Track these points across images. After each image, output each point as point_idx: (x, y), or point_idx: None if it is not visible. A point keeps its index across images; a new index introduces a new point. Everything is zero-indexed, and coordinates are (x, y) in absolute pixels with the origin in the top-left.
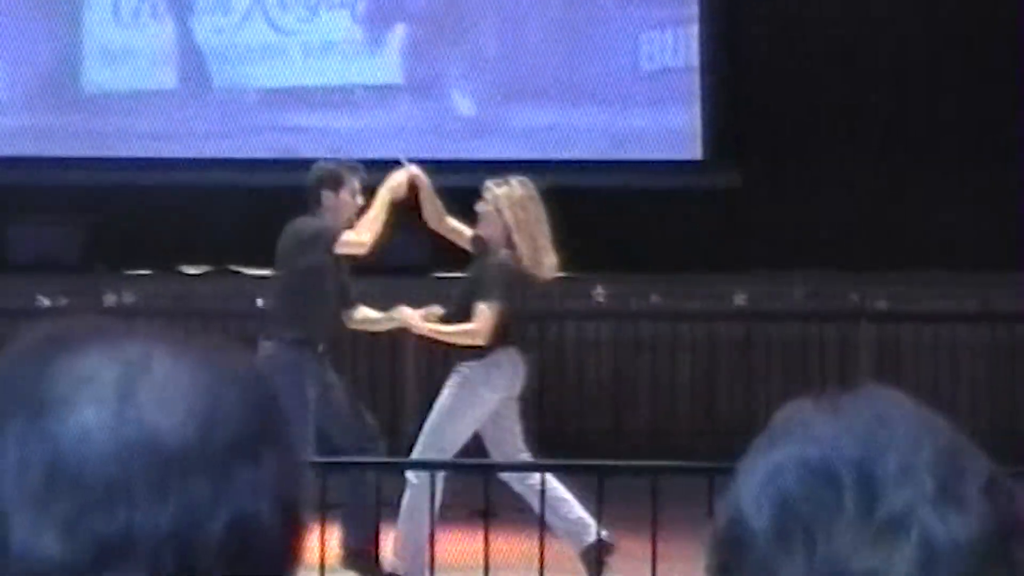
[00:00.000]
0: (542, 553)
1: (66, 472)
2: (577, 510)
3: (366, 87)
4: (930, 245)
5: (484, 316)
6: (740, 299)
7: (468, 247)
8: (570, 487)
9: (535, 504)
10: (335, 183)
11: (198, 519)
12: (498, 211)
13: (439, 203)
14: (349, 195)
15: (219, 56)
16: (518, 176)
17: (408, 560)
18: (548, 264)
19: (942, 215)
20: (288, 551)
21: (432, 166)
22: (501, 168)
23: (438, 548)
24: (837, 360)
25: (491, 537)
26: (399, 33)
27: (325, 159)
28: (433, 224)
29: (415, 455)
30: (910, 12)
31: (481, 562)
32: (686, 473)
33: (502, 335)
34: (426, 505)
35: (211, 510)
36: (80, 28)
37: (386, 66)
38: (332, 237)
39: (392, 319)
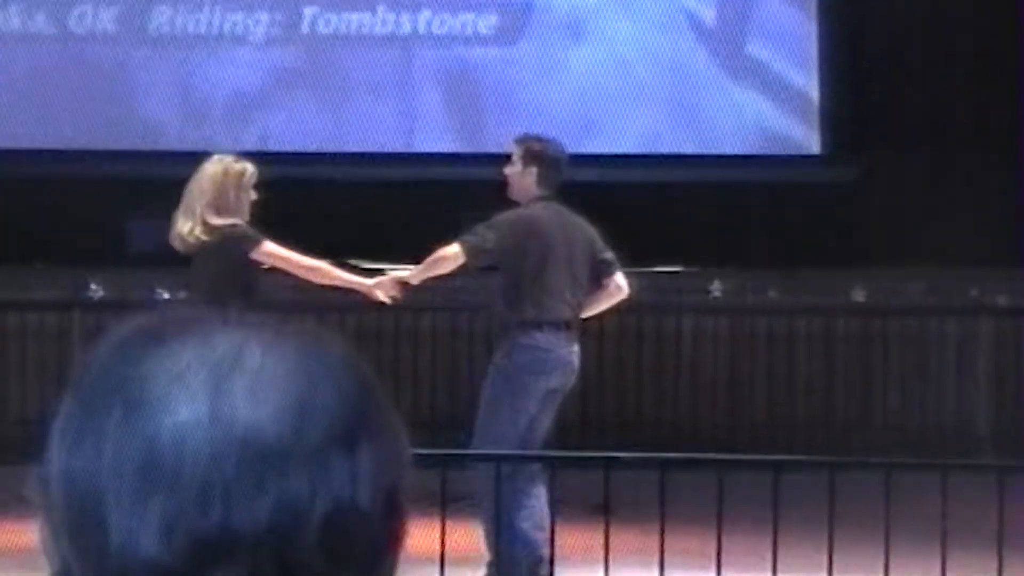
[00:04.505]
0: (662, 547)
1: (163, 472)
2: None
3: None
4: None
5: None
6: (858, 294)
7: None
8: (687, 483)
9: None
10: None
11: (297, 513)
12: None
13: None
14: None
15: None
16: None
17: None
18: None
19: None
20: (388, 539)
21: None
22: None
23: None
24: (956, 355)
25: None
26: None
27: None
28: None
29: None
30: None
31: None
32: (805, 468)
33: None
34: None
35: (309, 503)
36: None
37: None
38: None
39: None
